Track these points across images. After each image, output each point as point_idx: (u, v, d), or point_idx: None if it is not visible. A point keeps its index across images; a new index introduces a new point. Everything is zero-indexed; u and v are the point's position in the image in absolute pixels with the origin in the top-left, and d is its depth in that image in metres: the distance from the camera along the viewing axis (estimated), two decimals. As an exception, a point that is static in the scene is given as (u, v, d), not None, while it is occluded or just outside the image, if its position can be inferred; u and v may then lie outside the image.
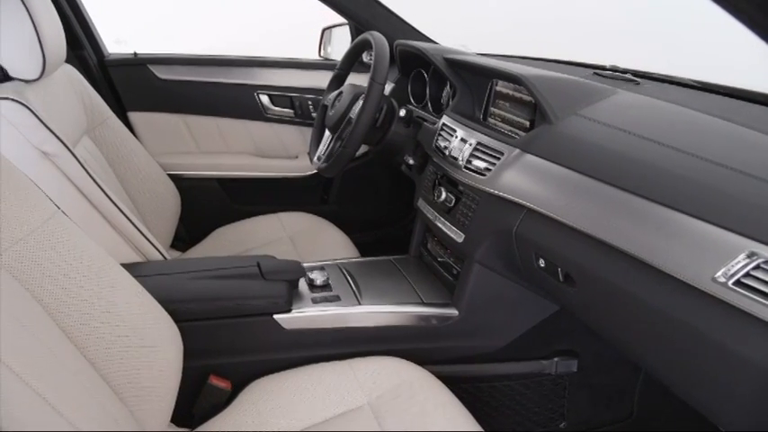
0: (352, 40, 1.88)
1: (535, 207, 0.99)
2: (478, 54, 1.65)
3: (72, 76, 1.43)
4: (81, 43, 1.84)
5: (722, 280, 0.67)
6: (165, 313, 0.95)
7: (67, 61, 1.38)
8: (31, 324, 0.70)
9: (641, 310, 0.81)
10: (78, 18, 1.82)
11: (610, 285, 0.86)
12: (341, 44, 1.94)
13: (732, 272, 0.65)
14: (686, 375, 0.79)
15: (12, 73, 1.18)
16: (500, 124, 1.28)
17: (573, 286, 0.95)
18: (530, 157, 1.05)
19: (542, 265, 1.01)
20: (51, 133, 1.14)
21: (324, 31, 2.00)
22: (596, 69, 1.37)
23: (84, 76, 1.50)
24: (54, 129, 1.15)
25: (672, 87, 1.22)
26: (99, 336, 0.79)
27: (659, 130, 0.90)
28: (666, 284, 0.75)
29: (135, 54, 1.94)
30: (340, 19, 1.88)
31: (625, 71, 1.32)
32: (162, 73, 1.92)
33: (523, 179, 1.04)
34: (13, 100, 1.12)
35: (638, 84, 1.21)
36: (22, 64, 1.17)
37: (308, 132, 1.96)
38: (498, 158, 1.12)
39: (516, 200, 1.04)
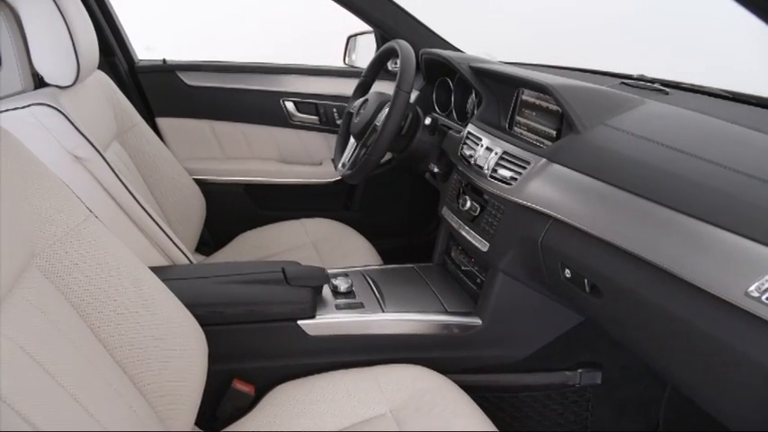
0: (378, 47, 1.89)
1: (561, 217, 0.99)
2: (504, 63, 1.64)
3: (103, 82, 1.46)
4: (112, 50, 1.88)
5: (755, 294, 0.65)
6: (191, 316, 0.96)
7: (99, 67, 1.40)
8: (63, 324, 0.72)
9: (668, 321, 0.80)
10: (110, 25, 1.86)
11: (637, 297, 0.85)
12: (366, 52, 1.95)
13: (767, 286, 0.64)
14: (711, 386, 0.78)
15: (47, 79, 1.21)
16: (526, 133, 1.28)
17: (599, 297, 0.94)
18: (556, 167, 1.04)
19: (568, 276, 1.00)
20: (84, 138, 1.16)
21: (349, 38, 2.01)
22: (624, 79, 1.35)
23: (115, 82, 1.53)
24: (86, 134, 1.17)
25: (700, 97, 1.20)
26: (126, 337, 0.81)
27: (688, 141, 0.88)
28: (695, 297, 0.74)
29: (164, 61, 1.97)
30: (365, 27, 1.89)
31: (653, 80, 1.31)
32: (190, 79, 1.95)
33: (550, 189, 1.04)
34: (48, 105, 1.15)
35: (667, 93, 1.19)
36: (57, 70, 1.19)
37: (332, 139, 1.98)
38: (524, 168, 1.11)
39: (542, 209, 1.04)
